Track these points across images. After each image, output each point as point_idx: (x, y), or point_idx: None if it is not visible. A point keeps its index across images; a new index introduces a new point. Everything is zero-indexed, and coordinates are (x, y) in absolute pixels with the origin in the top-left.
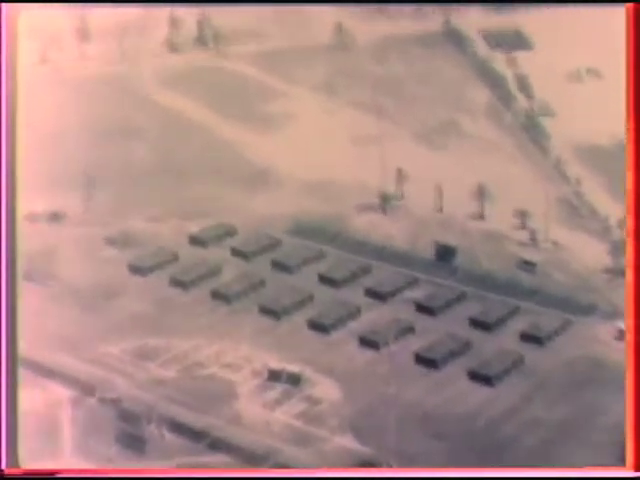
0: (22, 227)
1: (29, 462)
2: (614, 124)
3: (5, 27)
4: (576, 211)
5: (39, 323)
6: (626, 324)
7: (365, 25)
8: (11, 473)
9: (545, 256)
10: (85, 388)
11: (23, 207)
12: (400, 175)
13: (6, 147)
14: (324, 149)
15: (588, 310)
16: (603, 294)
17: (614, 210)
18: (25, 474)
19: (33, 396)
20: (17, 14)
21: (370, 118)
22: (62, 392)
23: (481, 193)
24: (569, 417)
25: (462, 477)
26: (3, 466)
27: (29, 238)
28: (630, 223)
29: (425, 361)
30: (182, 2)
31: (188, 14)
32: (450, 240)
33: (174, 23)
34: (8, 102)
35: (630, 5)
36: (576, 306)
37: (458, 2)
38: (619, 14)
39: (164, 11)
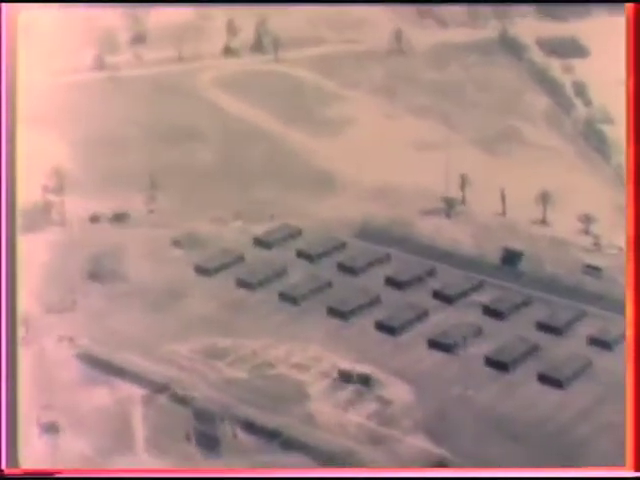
0: (86, 228)
1: (100, 459)
2: None
3: (5, 27)
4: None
5: (104, 322)
6: (627, 325)
7: (422, 32)
8: (11, 473)
9: (610, 261)
10: (156, 387)
11: (86, 208)
12: (463, 180)
13: (6, 147)
14: (386, 154)
15: None
16: None
17: None
18: (25, 474)
19: (101, 393)
20: (17, 14)
21: (430, 123)
22: (132, 390)
23: (544, 199)
24: None
25: (469, 477)
26: (3, 466)
27: (93, 238)
28: (630, 224)
29: (495, 364)
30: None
31: (245, 19)
32: (514, 245)
33: (231, 28)
34: (8, 101)
35: (630, 5)
36: None
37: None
38: None
39: (221, 16)
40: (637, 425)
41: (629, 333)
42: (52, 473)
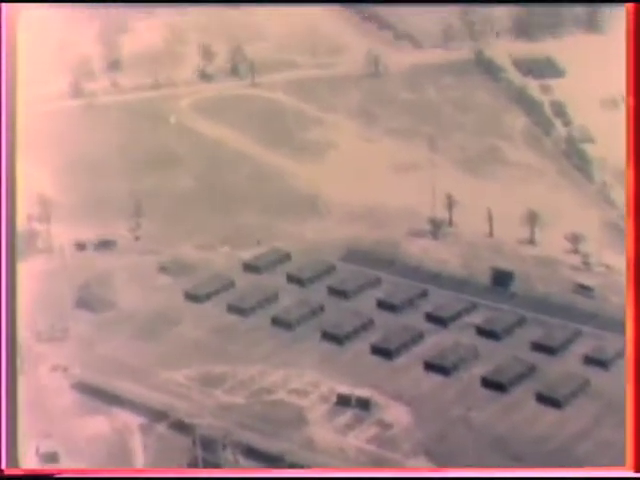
0: (72, 255)
1: None
2: None
3: (5, 27)
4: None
5: (95, 350)
6: (626, 326)
7: (396, 54)
8: (11, 473)
9: (600, 280)
10: (154, 415)
11: (71, 236)
12: (450, 201)
13: (6, 149)
14: (368, 176)
15: None
16: None
17: None
18: (25, 474)
19: (99, 422)
20: (17, 14)
21: (411, 145)
22: (130, 418)
23: (531, 218)
24: None
25: (462, 477)
26: (3, 466)
27: (80, 266)
28: (630, 245)
29: (493, 385)
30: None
31: (220, 44)
32: (503, 265)
33: (206, 53)
34: (8, 101)
35: (630, 5)
36: None
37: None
38: None
39: (196, 42)
40: (637, 425)
41: (629, 335)
42: (52, 473)
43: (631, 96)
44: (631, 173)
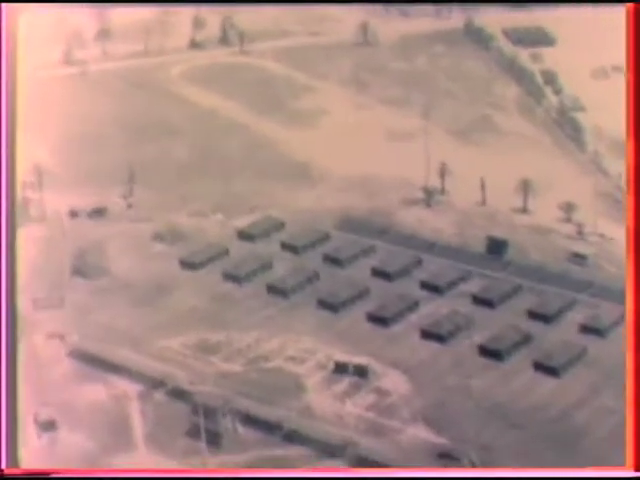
0: (66, 223)
1: (101, 456)
2: None
3: (5, 27)
4: (619, 205)
5: (92, 317)
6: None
7: (386, 23)
8: (11, 473)
9: (594, 249)
10: (152, 382)
11: (64, 204)
12: (442, 170)
13: (6, 145)
14: (360, 144)
15: None
16: None
17: None
18: (24, 474)
19: (97, 390)
20: (17, 14)
21: (403, 113)
22: (128, 386)
23: (524, 187)
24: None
25: (463, 477)
26: (3, 466)
27: (74, 234)
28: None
29: (490, 353)
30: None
31: (211, 13)
32: (496, 233)
33: (197, 23)
34: (8, 101)
35: (630, 5)
36: None
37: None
38: None
39: (187, 12)
40: (637, 425)
41: (629, 335)
42: (52, 473)
43: (631, 97)
44: (631, 145)
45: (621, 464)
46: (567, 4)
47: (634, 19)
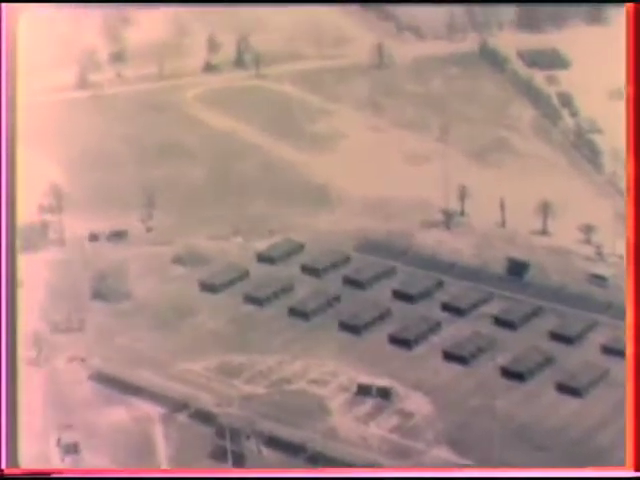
0: (85, 247)
1: None
2: None
3: (5, 27)
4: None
5: (113, 340)
6: (626, 326)
7: (401, 45)
8: (11, 473)
9: (614, 270)
10: (174, 405)
11: (83, 227)
12: (462, 192)
13: (6, 145)
14: (378, 167)
15: None
16: None
17: None
18: (24, 474)
19: (117, 412)
20: (17, 14)
21: (419, 136)
22: (150, 409)
23: (543, 209)
24: None
25: (463, 477)
26: (3, 466)
27: (94, 257)
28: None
29: (512, 374)
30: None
31: (226, 35)
32: (516, 255)
33: (212, 46)
34: (9, 101)
35: (630, 5)
36: None
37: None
38: None
39: (202, 34)
40: (637, 425)
41: (630, 337)
42: (52, 473)
43: (631, 100)
44: (631, 162)
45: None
46: (567, 4)
47: (634, 19)
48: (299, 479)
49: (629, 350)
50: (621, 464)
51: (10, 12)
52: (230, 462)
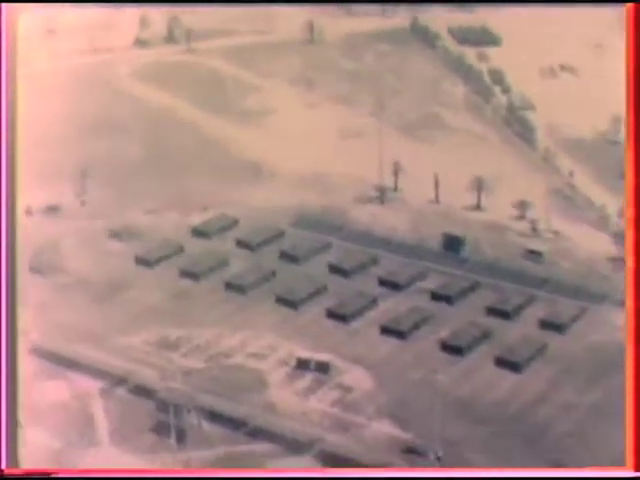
0: (21, 221)
1: (66, 455)
2: (594, 118)
3: (5, 27)
4: (571, 201)
5: (51, 315)
6: (626, 326)
7: (331, 21)
8: (11, 473)
9: (549, 245)
10: (114, 379)
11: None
12: (396, 167)
13: (6, 145)
14: (311, 142)
15: (601, 297)
16: (611, 281)
17: (609, 200)
18: (24, 474)
19: (58, 388)
20: (17, 14)
21: (352, 111)
22: (90, 384)
23: (478, 184)
24: (600, 401)
25: (462, 477)
26: (3, 466)
27: (29, 231)
28: (630, 214)
29: (451, 348)
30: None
31: (157, 14)
32: (451, 231)
33: (144, 22)
34: (8, 102)
35: (630, 5)
36: (587, 293)
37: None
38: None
39: (133, 11)
40: (637, 425)
41: (629, 334)
42: (52, 473)
43: (631, 101)
44: (630, 160)
45: (583, 462)
46: (566, 4)
47: (634, 19)
48: (300, 479)
49: (629, 347)
50: (559, 440)
51: (10, 12)
52: (173, 437)
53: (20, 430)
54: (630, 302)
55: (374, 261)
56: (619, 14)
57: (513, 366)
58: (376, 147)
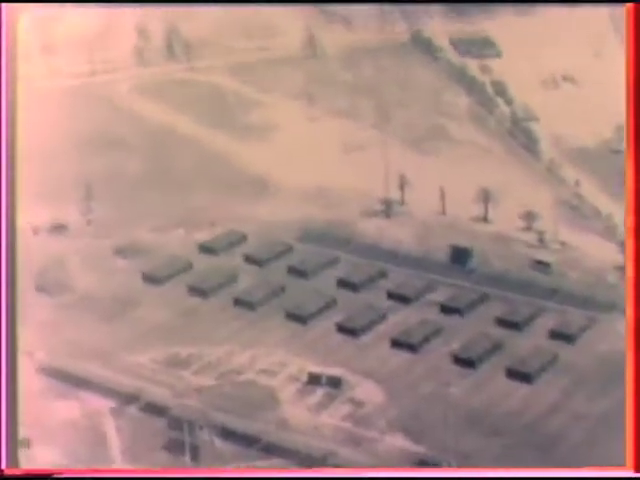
0: (26, 239)
1: None
2: (598, 127)
3: (5, 27)
4: (578, 211)
5: (57, 333)
6: (626, 326)
7: (331, 35)
8: (11, 473)
9: (556, 256)
10: (125, 398)
11: (25, 221)
12: (402, 180)
13: (6, 151)
14: (315, 156)
15: (609, 307)
16: (619, 291)
17: (615, 209)
18: (25, 474)
19: (69, 406)
20: (17, 14)
21: (354, 125)
22: (101, 402)
23: (484, 196)
24: (610, 410)
25: (464, 477)
26: (3, 466)
27: (35, 250)
28: (630, 222)
29: (462, 361)
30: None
31: (155, 24)
32: (458, 243)
33: (142, 34)
34: (9, 102)
35: (630, 5)
36: (596, 303)
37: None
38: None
39: (130, 22)
40: (637, 425)
41: (629, 343)
42: (52, 473)
43: (631, 101)
44: (631, 166)
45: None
46: (567, 4)
47: (634, 19)
48: (299, 479)
49: (629, 351)
50: (572, 449)
51: (10, 12)
52: (188, 454)
53: (25, 450)
54: (630, 311)
55: (382, 274)
56: (619, 16)
57: (524, 377)
58: (380, 160)
